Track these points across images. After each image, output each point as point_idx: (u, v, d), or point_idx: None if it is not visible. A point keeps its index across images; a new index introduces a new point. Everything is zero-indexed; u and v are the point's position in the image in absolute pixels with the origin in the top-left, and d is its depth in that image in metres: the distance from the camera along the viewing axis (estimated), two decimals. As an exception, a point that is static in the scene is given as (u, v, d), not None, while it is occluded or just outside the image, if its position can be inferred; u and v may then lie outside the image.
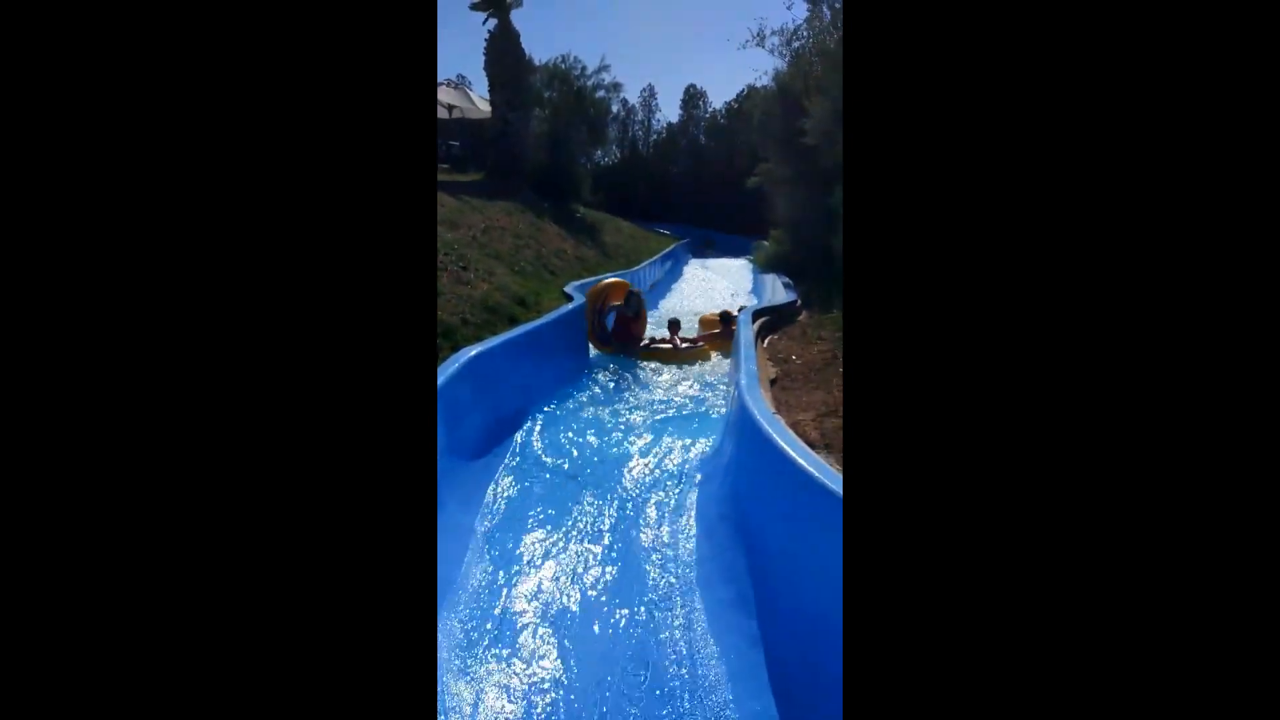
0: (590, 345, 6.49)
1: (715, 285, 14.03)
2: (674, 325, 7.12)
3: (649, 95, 32.91)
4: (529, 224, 10.15)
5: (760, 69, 42.45)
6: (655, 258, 14.21)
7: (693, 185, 29.60)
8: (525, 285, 6.90)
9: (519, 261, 8.00)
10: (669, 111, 45.23)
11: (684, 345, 6.60)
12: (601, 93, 15.94)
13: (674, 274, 15.69)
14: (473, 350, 3.98)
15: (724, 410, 4.34)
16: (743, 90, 24.04)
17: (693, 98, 32.41)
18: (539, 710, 2.00)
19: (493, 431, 3.94)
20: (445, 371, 3.56)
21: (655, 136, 32.77)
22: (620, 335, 6.53)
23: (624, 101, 30.34)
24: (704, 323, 7.65)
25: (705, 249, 20.46)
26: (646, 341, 6.66)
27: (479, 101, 16.37)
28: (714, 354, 6.58)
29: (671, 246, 17.89)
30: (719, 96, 53.40)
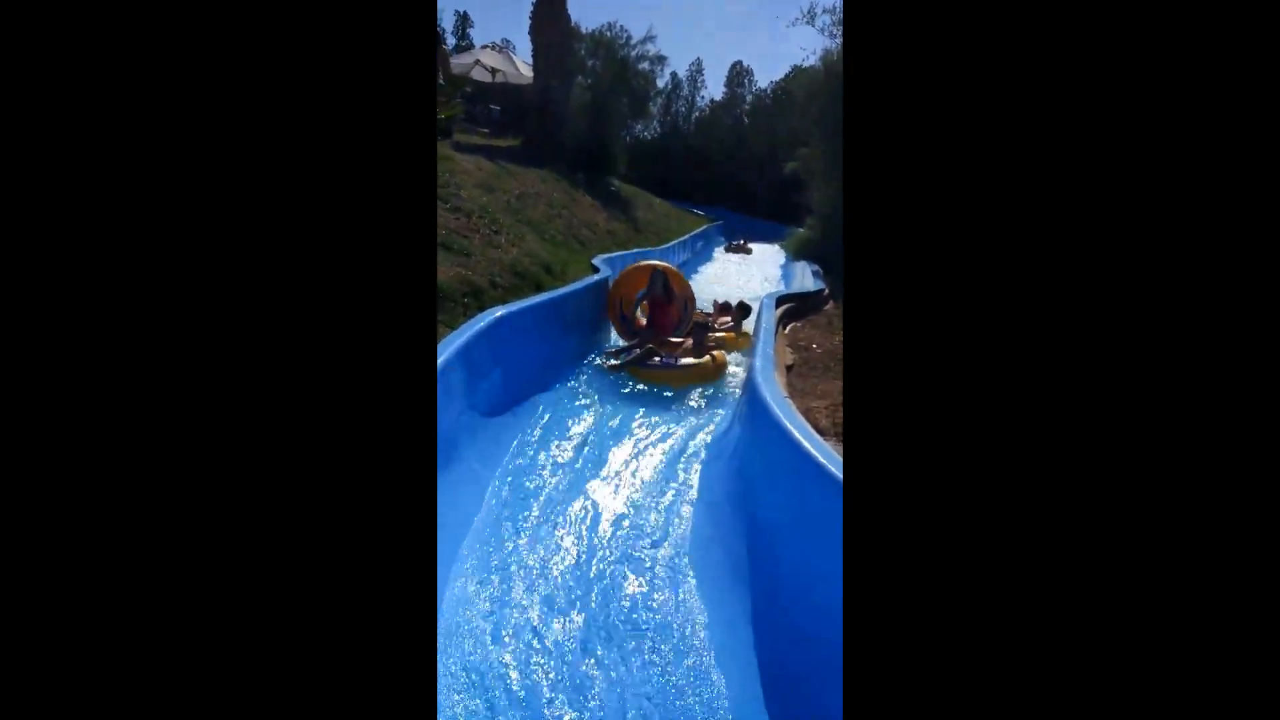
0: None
1: (746, 270, 13.93)
2: (723, 311, 6.14)
3: (696, 70, 32.45)
4: (563, 193, 10.19)
5: (809, 49, 41.48)
6: (685, 237, 14.18)
7: (732, 166, 29.19)
8: (554, 254, 6.97)
9: (550, 230, 8.06)
10: (714, 88, 44.54)
11: (681, 360, 4.86)
12: (645, 64, 15.80)
13: (703, 256, 15.63)
14: (499, 311, 4.07)
15: (738, 393, 4.40)
16: (790, 70, 23.63)
17: (738, 75, 31.87)
18: (532, 647, 2.11)
19: (514, 392, 4.04)
20: (472, 328, 3.65)
21: (698, 113, 32.35)
22: (656, 326, 5.34)
23: (672, 75, 29.97)
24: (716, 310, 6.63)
25: (738, 247, 18.10)
26: (633, 349, 5.03)
27: (522, 66, 16.31)
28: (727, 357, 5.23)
29: (704, 227, 17.80)
30: (765, 76, 52.51)
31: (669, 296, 5.43)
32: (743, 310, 6.20)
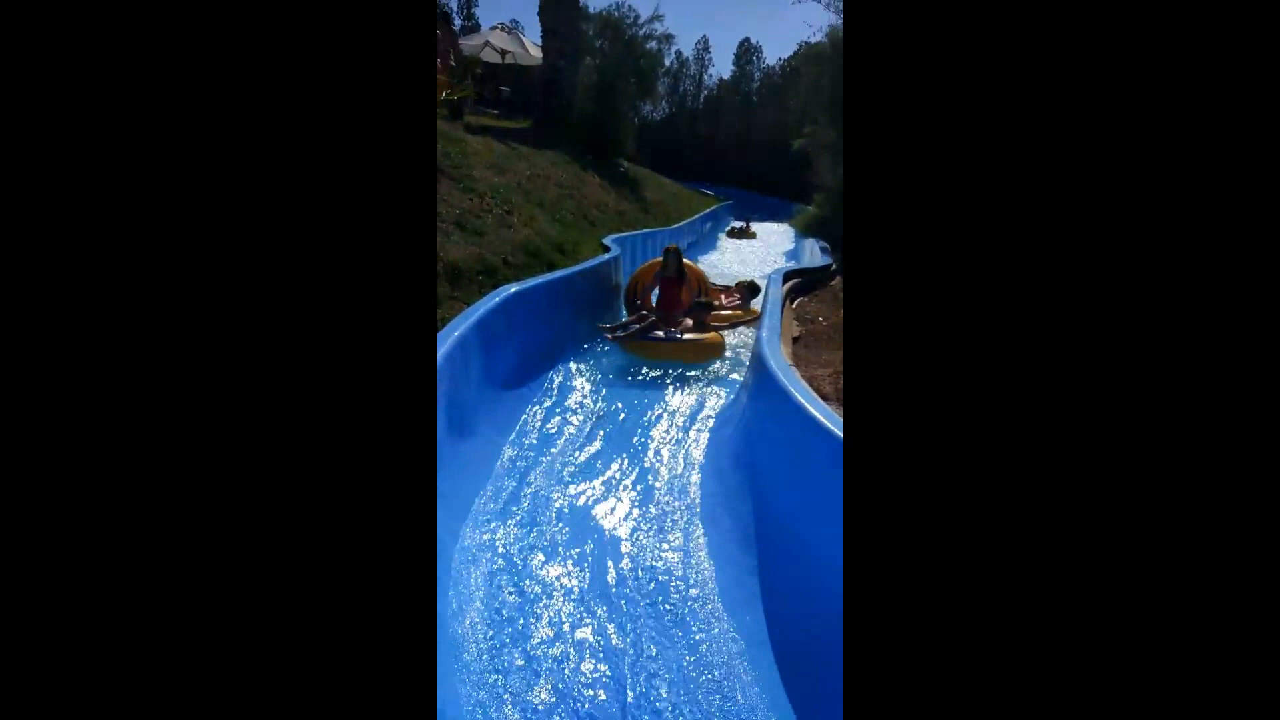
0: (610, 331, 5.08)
1: (752, 249, 13.93)
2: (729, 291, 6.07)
3: (703, 49, 32.19)
4: (572, 175, 10.27)
5: (815, 25, 40.89)
6: (695, 217, 14.22)
7: (740, 145, 29.03)
8: (565, 234, 7.07)
9: (560, 210, 8.16)
10: (722, 67, 44.08)
11: (685, 336, 4.89)
12: (652, 44, 15.76)
13: (713, 236, 15.65)
14: (512, 288, 4.21)
15: (746, 366, 4.51)
16: (798, 47, 23.45)
17: (746, 53, 31.58)
18: (543, 595, 2.27)
19: (526, 366, 4.19)
20: (486, 304, 3.79)
21: (706, 92, 32.13)
22: (665, 304, 5.30)
23: (677, 54, 29.76)
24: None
25: (741, 231, 16.32)
26: (631, 324, 4.96)
27: (531, 48, 16.28)
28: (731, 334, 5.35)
29: (713, 207, 17.78)
30: (774, 53, 51.85)
31: (680, 276, 5.39)
32: (752, 290, 6.20)
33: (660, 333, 4.88)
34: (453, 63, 10.81)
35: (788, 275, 6.00)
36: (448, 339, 3.15)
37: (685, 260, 5.66)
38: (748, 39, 32.37)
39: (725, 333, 5.17)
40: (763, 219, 18.68)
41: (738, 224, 17.19)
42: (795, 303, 5.85)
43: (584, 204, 9.39)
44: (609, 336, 4.93)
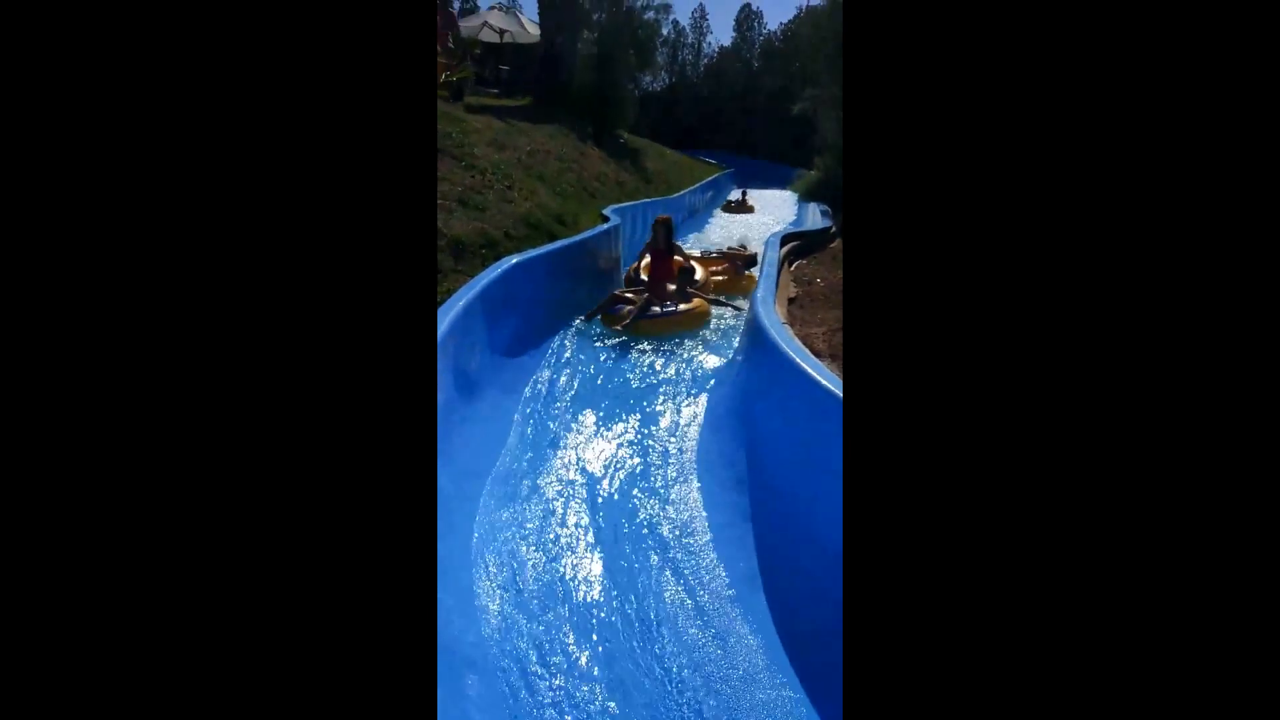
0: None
1: (749, 226, 13.75)
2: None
3: (699, 18, 31.82)
4: (572, 148, 10.33)
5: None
6: (696, 185, 14.22)
7: (743, 112, 28.76)
8: (565, 206, 7.18)
9: (561, 184, 8.26)
10: (721, 34, 43.39)
11: (668, 309, 4.84)
12: (650, 14, 15.69)
13: (715, 205, 15.64)
14: (513, 259, 4.35)
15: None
16: (799, 9, 23.04)
17: (747, 19, 31.16)
18: (551, 539, 2.45)
19: (529, 334, 4.34)
20: (488, 276, 3.94)
21: (706, 60, 31.79)
22: (657, 276, 5.35)
23: (675, 23, 29.42)
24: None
25: (738, 205, 14.70)
26: (633, 300, 4.87)
27: (529, 25, 16.22)
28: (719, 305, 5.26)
29: (714, 176, 17.73)
30: (775, 19, 51.01)
31: (669, 248, 5.45)
32: (748, 262, 6.14)
33: (656, 309, 4.83)
34: (451, 45, 10.83)
35: (786, 238, 6.08)
36: (452, 309, 3.30)
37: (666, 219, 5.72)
38: (748, 4, 31.82)
39: (716, 310, 5.23)
40: (765, 186, 18.54)
41: (734, 196, 15.38)
42: (794, 265, 5.95)
43: (584, 176, 9.47)
44: (589, 317, 4.95)
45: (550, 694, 1.80)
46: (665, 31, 18.71)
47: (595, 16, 14.67)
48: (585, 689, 1.82)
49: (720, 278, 5.85)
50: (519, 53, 16.10)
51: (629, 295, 5.01)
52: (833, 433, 2.26)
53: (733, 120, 28.82)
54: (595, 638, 2.00)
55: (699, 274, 5.52)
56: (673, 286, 5.06)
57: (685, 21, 31.56)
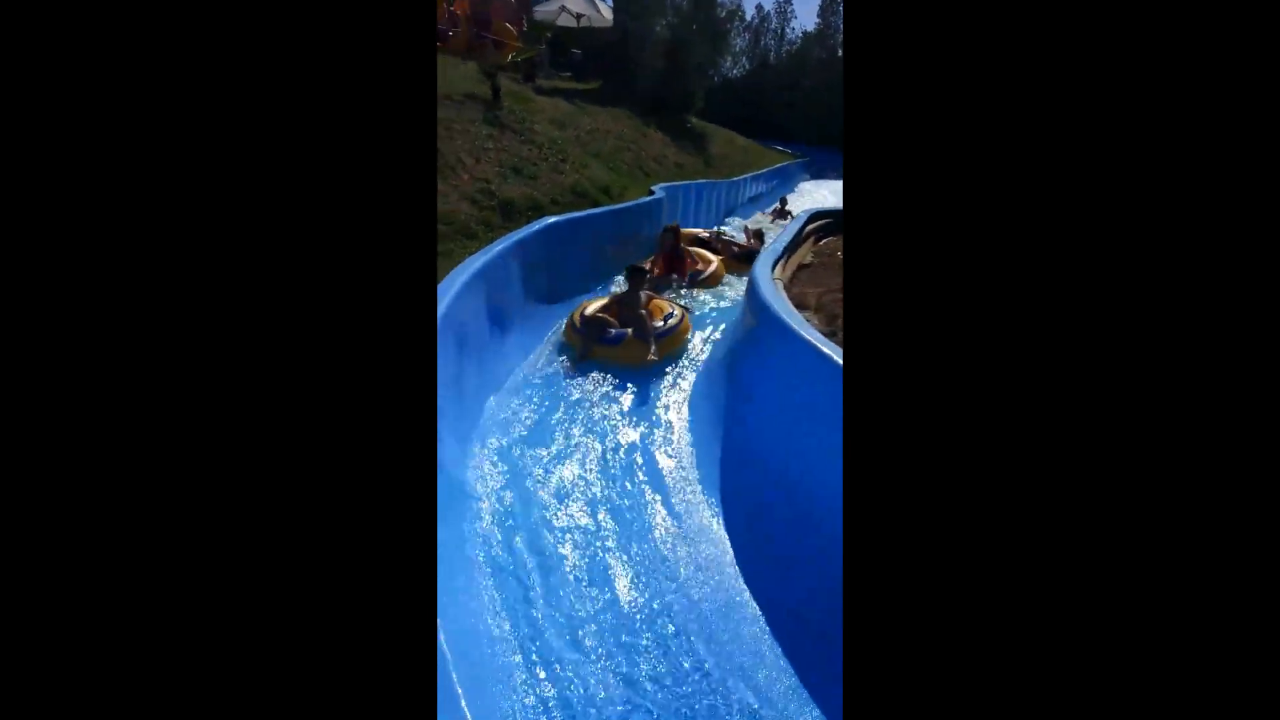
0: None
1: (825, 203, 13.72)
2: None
3: (784, 2, 31.45)
4: (634, 129, 10.81)
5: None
6: (759, 172, 14.43)
7: (824, 101, 28.32)
8: (615, 180, 7.68)
9: (616, 161, 8.76)
10: (805, 20, 42.43)
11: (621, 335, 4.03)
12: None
13: (784, 190, 15.74)
14: (551, 219, 4.89)
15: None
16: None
17: (831, 5, 30.60)
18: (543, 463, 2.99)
19: (562, 289, 4.87)
20: (527, 230, 4.50)
21: (788, 47, 31.46)
22: (668, 265, 5.72)
23: (758, 8, 29.19)
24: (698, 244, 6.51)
25: (777, 212, 12.53)
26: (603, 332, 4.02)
27: (605, 10, 16.72)
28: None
29: (783, 164, 17.77)
30: (867, 4, 49.31)
31: (676, 252, 5.87)
32: (748, 256, 6.16)
33: (610, 330, 4.07)
34: (525, 27, 11.47)
35: (815, 215, 6.40)
36: (489, 252, 3.87)
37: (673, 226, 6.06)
38: (834, -10, 31.17)
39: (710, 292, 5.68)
40: (836, 178, 18.35)
41: (775, 206, 12.73)
42: (822, 241, 6.26)
43: (642, 156, 9.93)
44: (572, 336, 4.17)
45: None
46: (748, 17, 18.62)
47: (669, 2, 15.02)
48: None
49: (707, 274, 5.98)
50: (593, 37, 16.63)
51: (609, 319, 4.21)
52: (800, 371, 2.71)
53: (815, 108, 28.45)
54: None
55: (713, 267, 6.05)
56: (655, 306, 4.43)
57: (769, 5, 31.28)
